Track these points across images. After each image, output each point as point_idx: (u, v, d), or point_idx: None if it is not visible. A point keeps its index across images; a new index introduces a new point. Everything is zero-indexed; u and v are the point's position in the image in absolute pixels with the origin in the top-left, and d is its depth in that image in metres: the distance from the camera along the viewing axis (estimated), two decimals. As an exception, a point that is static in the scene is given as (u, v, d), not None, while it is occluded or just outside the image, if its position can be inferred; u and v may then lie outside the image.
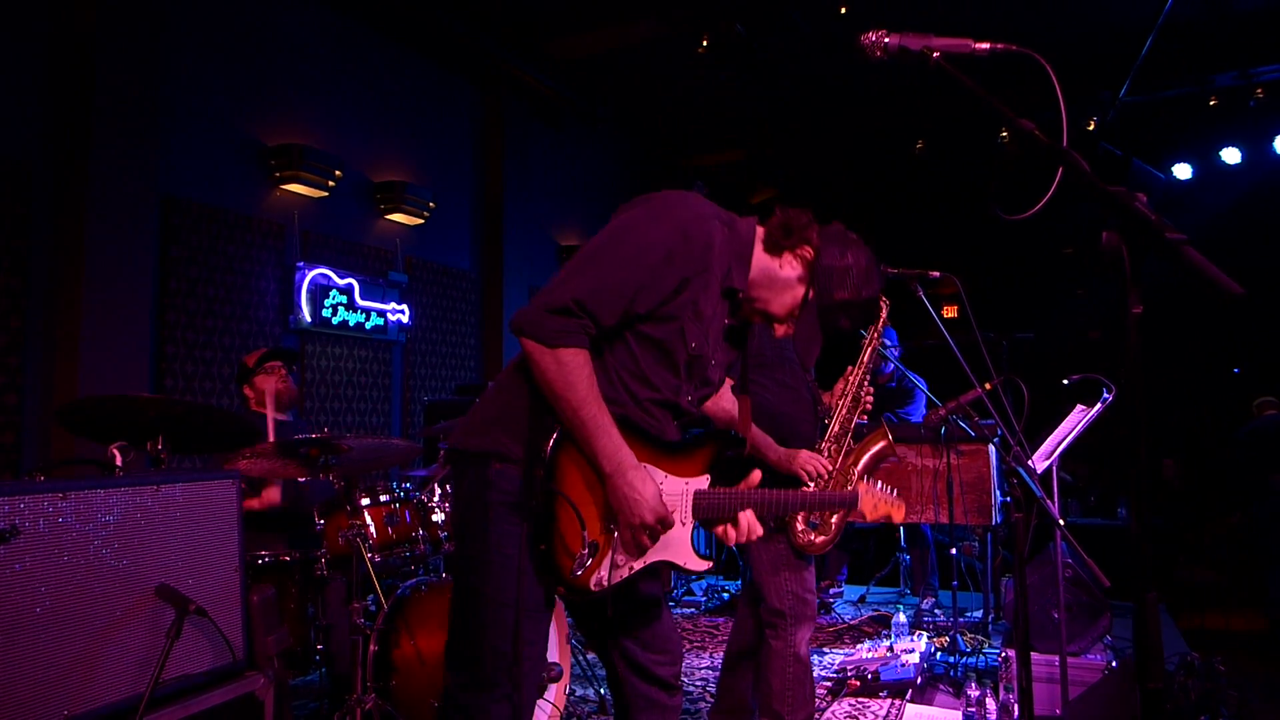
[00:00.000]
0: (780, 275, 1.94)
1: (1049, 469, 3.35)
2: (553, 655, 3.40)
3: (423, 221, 5.79)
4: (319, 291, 5.06)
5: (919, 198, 8.96)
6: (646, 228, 1.77)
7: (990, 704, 3.34)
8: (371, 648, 3.01)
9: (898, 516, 2.19)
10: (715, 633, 5.13)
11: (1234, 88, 6.99)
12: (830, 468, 2.91)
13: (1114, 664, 3.59)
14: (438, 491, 3.33)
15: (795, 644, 2.98)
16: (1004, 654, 3.72)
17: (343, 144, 5.30)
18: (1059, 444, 3.37)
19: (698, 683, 4.14)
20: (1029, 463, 3.21)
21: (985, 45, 1.59)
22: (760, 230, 1.97)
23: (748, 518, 1.88)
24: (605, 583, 1.78)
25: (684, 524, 1.87)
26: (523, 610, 1.76)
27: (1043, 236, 8.93)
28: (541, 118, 6.95)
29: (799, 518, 2.93)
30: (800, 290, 1.96)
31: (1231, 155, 7.70)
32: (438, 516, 3.29)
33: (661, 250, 1.75)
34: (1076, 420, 3.42)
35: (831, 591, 5.77)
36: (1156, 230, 1.05)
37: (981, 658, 4.42)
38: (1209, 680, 3.52)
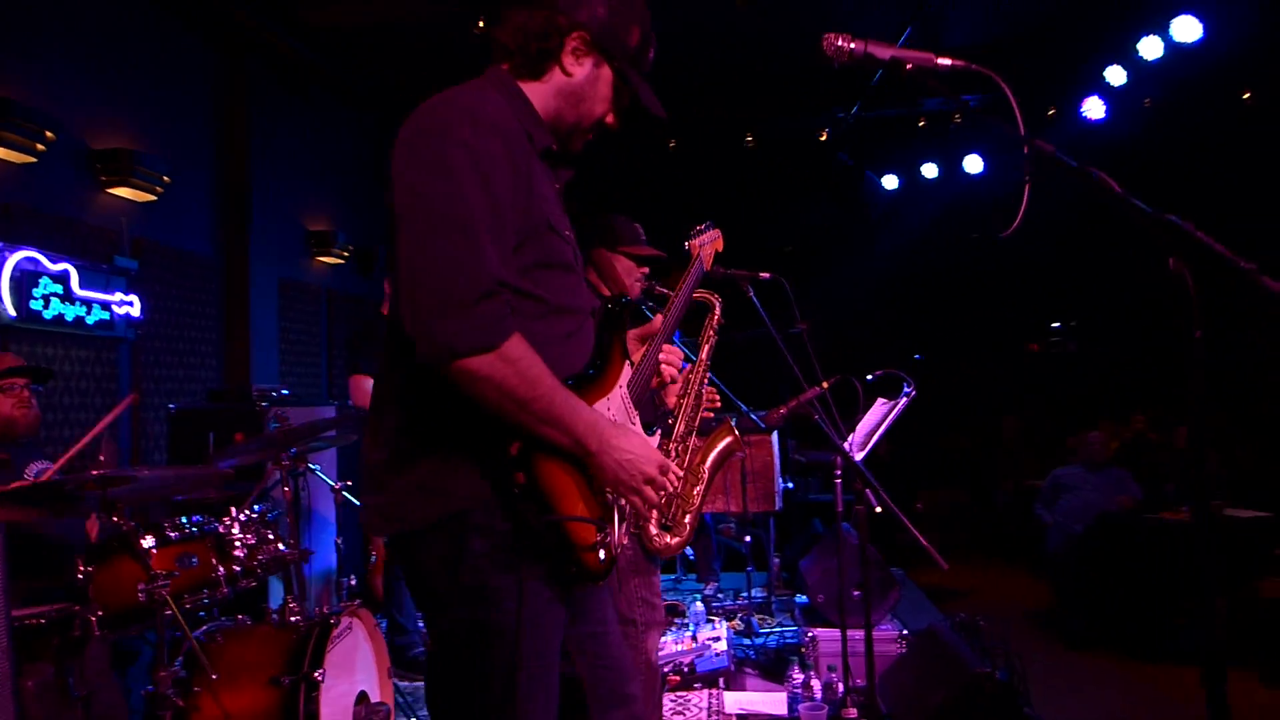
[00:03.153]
0: (576, 83, 1.65)
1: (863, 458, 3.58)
2: (376, 694, 3.07)
3: (155, 198, 4.93)
4: (26, 279, 4.12)
5: (668, 196, 9.29)
6: (456, 146, 1.44)
7: (815, 684, 3.51)
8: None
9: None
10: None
11: (939, 111, 7.98)
12: (680, 470, 2.89)
13: (905, 633, 3.93)
14: (239, 517, 2.84)
15: (646, 651, 2.94)
16: (810, 633, 3.94)
17: (55, 102, 4.35)
18: (869, 435, 3.62)
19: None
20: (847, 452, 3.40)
21: (947, 61, 1.64)
22: (505, 68, 1.65)
23: (664, 358, 1.98)
24: (622, 540, 1.71)
25: (635, 423, 1.75)
26: (550, 665, 1.57)
27: (764, 237, 9.59)
28: (293, 90, 6.23)
29: (653, 520, 2.87)
30: (606, 71, 1.66)
31: (930, 170, 8.80)
32: (237, 550, 2.80)
33: (488, 158, 1.45)
34: (881, 412, 3.69)
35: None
36: (1229, 260, 1.11)
37: (775, 637, 4.66)
38: (978, 637, 3.97)
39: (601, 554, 1.60)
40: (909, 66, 1.61)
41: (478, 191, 1.43)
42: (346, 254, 6.84)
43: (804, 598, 4.61)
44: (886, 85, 7.26)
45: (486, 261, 1.41)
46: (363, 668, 3.00)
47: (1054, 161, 1.47)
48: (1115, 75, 6.53)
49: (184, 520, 2.70)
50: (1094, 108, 7.01)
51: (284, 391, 4.66)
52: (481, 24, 5.73)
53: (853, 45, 1.62)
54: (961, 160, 8.53)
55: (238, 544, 2.79)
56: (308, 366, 6.43)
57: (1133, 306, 10.77)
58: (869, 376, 3.76)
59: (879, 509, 3.35)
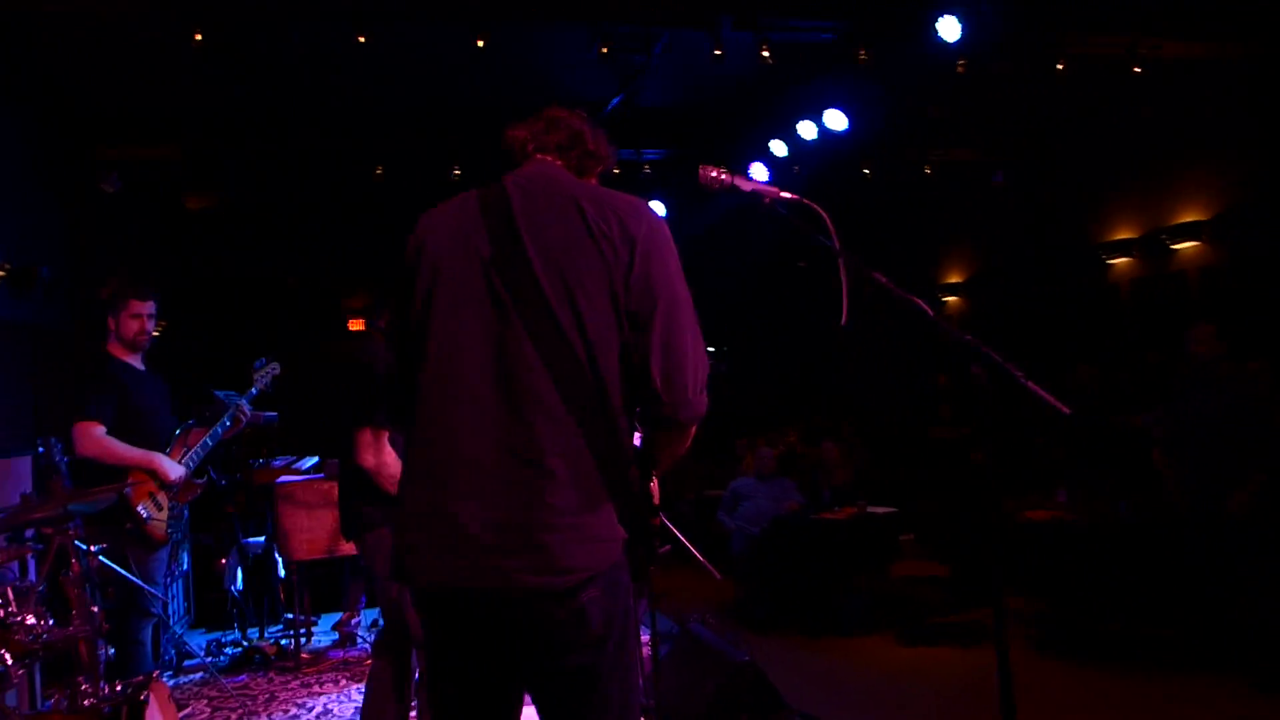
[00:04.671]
0: None
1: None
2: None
3: None
4: None
5: (377, 225, 9.21)
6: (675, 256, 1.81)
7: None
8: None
9: None
10: (248, 694, 4.68)
11: (630, 161, 8.84)
12: None
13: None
14: (9, 594, 2.53)
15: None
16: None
17: None
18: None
19: (285, 752, 3.84)
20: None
21: (788, 195, 2.20)
22: (560, 163, 1.93)
23: None
24: None
25: None
26: None
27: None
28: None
29: None
30: None
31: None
32: (18, 635, 2.50)
33: None
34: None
35: (353, 622, 5.70)
36: (1007, 370, 1.70)
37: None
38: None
39: None
40: (766, 200, 2.15)
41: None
42: (2, 273, 5.89)
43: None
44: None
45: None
46: (160, 742, 2.82)
47: (872, 281, 2.03)
48: (778, 148, 7.80)
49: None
50: (759, 172, 8.28)
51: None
52: (199, 38, 5.33)
53: (724, 177, 2.13)
54: (648, 203, 9.50)
55: (16, 627, 2.50)
56: (-40, 407, 5.45)
57: (774, 335, 12.66)
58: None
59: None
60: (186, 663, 5.26)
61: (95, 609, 3.29)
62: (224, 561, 6.06)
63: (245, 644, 5.44)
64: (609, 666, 1.68)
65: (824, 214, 2.16)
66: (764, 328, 12.61)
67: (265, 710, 4.38)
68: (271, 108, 7.31)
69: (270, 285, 10.05)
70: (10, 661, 2.40)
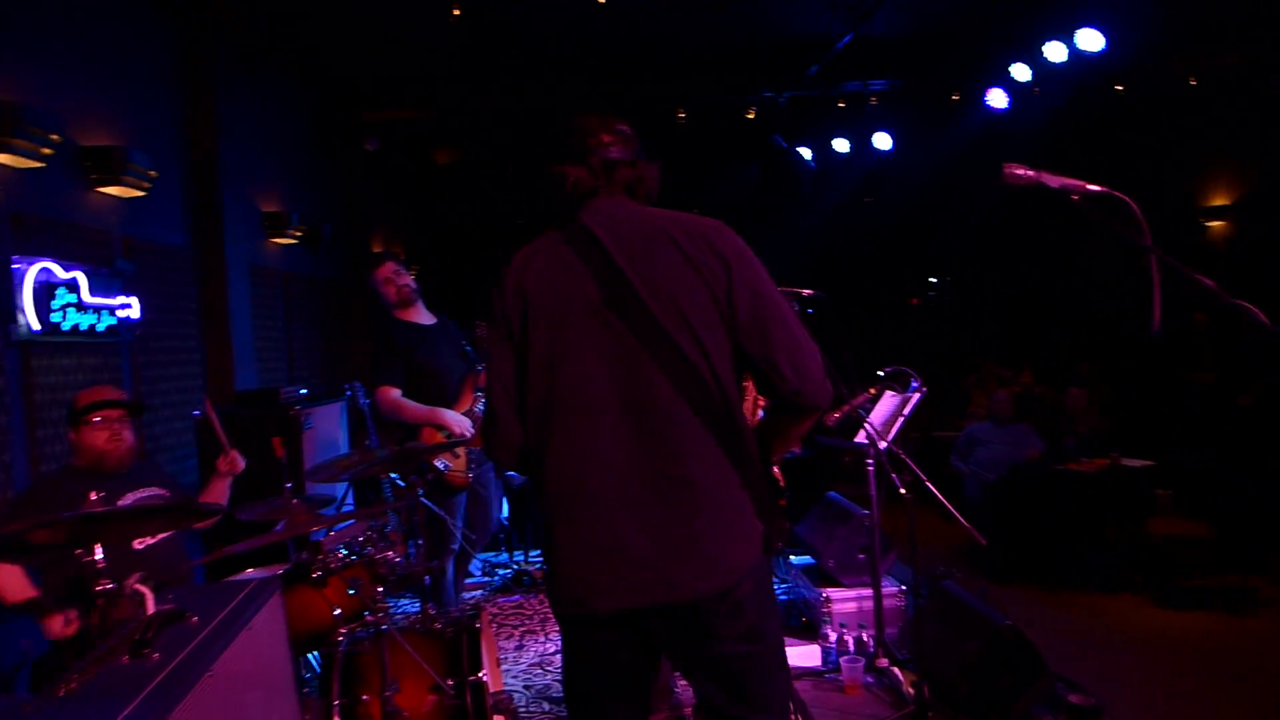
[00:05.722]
0: None
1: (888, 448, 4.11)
2: (493, 684, 3.37)
3: (144, 194, 4.75)
4: (44, 290, 3.96)
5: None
6: None
7: (849, 640, 4.07)
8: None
9: None
10: (524, 614, 5.25)
11: (856, 94, 8.56)
12: None
13: (904, 588, 4.55)
14: (372, 537, 3.03)
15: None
16: (824, 594, 4.48)
17: (50, 101, 4.12)
18: (888, 426, 4.16)
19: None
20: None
21: (1095, 187, 2.10)
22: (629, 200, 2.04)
23: None
24: None
25: None
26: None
27: (688, 207, 10.09)
28: (244, 67, 5.99)
29: None
30: None
31: (842, 145, 9.42)
32: (382, 570, 3.01)
33: None
34: (893, 404, 4.23)
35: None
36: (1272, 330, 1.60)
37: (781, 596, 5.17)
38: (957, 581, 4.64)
39: None
40: (1075, 197, 2.08)
41: None
42: (299, 234, 6.72)
43: (803, 559, 5.14)
44: (820, 73, 7.77)
45: None
46: (486, 660, 3.29)
47: (1174, 269, 1.93)
48: (1020, 72, 7.29)
49: (340, 549, 2.88)
50: (997, 99, 7.79)
51: (302, 391, 4.69)
52: (457, 13, 5.72)
53: (1029, 174, 2.07)
54: (871, 137, 9.20)
55: (382, 564, 3.00)
56: (276, 357, 6.35)
57: (1002, 262, 11.96)
58: (880, 372, 4.31)
59: (903, 490, 3.92)
60: (466, 581, 5.94)
61: (420, 541, 3.83)
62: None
63: (514, 567, 6.07)
64: (763, 650, 1.84)
65: (1133, 204, 2.08)
66: (991, 255, 11.92)
67: (542, 629, 4.91)
68: (510, 66, 7.70)
69: (505, 227, 10.73)
70: (380, 594, 2.90)
